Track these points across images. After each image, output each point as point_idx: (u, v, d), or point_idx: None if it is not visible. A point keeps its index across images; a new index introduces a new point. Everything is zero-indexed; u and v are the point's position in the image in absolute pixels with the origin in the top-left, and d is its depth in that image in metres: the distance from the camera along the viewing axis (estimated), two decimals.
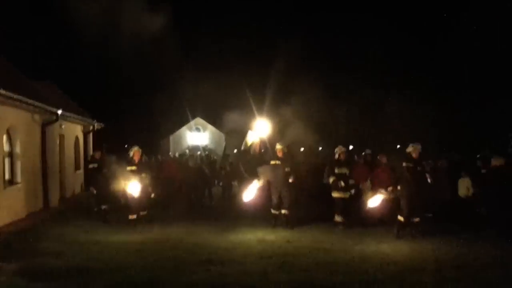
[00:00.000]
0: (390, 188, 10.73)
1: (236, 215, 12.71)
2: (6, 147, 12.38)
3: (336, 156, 11.36)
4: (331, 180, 11.19)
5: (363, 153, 14.23)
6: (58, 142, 16.59)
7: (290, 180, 11.20)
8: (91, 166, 12.81)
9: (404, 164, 10.18)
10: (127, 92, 45.51)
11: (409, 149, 10.27)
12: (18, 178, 12.83)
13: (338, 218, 11.09)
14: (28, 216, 12.82)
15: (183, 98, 40.10)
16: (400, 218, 10.14)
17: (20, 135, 13.03)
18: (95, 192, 12.36)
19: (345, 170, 11.18)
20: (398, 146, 19.41)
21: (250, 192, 11.61)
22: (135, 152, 11.76)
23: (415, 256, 8.42)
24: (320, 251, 8.80)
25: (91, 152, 21.62)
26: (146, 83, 46.01)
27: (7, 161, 12.43)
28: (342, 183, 11.01)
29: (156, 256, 8.44)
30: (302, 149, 19.75)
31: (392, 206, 10.92)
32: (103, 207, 12.26)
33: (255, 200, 11.88)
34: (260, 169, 11.58)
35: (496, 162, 11.82)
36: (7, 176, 12.29)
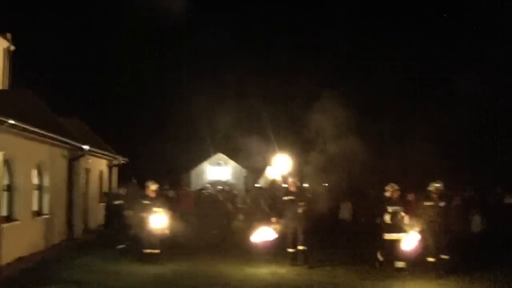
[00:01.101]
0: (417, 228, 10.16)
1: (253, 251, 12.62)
2: (35, 181, 13.16)
3: (388, 194, 10.72)
4: (387, 218, 10.41)
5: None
6: (83, 176, 17.37)
7: (300, 210, 10.92)
8: (117, 202, 12.94)
9: (425, 203, 10.18)
10: (151, 127, 46.79)
11: (431, 187, 10.26)
12: (46, 209, 13.57)
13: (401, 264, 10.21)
14: (53, 246, 13.48)
15: (205, 133, 40.99)
16: (430, 258, 10.01)
17: (49, 169, 13.83)
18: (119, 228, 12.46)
19: (398, 209, 10.43)
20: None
21: (260, 234, 11.47)
22: (149, 187, 11.92)
23: None
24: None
25: (114, 185, 22.45)
26: (170, 118, 47.16)
27: (36, 193, 13.18)
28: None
29: (173, 286, 8.93)
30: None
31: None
32: (125, 244, 12.27)
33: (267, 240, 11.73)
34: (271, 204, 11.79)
35: (508, 200, 12.18)
36: (35, 208, 13.02)
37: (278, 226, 11.35)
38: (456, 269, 9.99)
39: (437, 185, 10.22)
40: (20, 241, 11.27)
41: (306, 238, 11.04)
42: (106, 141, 22.97)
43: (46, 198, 13.68)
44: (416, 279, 9.70)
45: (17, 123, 10.27)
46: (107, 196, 18.01)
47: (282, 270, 10.52)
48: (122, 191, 13.47)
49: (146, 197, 11.83)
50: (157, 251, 11.38)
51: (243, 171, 48.56)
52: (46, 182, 13.76)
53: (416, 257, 10.33)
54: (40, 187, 13.49)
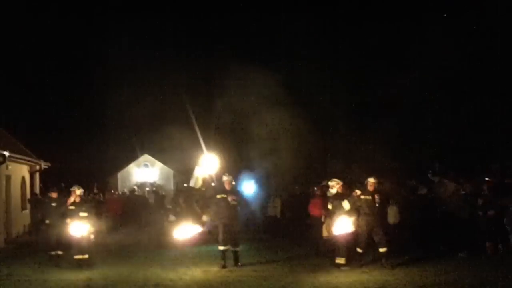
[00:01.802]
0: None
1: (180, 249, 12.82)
2: None
3: (333, 190, 11.06)
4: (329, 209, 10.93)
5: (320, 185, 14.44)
6: (4, 183, 16.77)
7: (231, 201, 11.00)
8: (54, 204, 12.57)
9: (362, 197, 10.49)
10: (74, 130, 45.32)
11: (367, 182, 10.63)
12: None
13: (341, 260, 10.42)
14: None
15: (131, 135, 40.44)
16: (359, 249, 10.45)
17: None
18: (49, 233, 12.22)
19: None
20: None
21: (186, 231, 11.61)
22: (73, 192, 11.81)
23: None
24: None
25: (37, 191, 21.73)
26: (93, 120, 45.97)
27: None
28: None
29: None
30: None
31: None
32: (59, 252, 11.96)
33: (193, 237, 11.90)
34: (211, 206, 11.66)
35: (421, 191, 13.12)
36: None
37: (204, 222, 11.67)
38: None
39: (373, 180, 10.61)
40: None
41: (237, 237, 11.20)
42: (26, 146, 22.22)
43: None
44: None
45: None
46: (31, 202, 17.54)
47: (213, 268, 10.62)
48: (55, 194, 13.00)
49: (72, 202, 11.70)
50: (85, 256, 11.28)
51: (170, 172, 48.27)
52: None
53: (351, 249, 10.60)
54: None
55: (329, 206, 10.94)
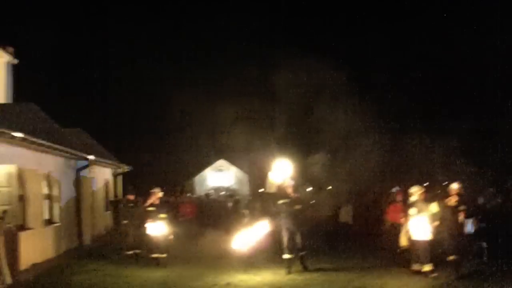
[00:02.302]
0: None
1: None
2: (45, 190, 13.72)
3: (415, 197, 10.55)
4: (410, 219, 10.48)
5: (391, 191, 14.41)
6: (90, 185, 17.92)
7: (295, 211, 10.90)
8: (131, 205, 13.01)
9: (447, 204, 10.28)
10: (153, 135, 47.33)
11: (450, 188, 10.39)
12: (56, 218, 14.13)
13: (429, 267, 10.00)
14: (64, 253, 14.03)
15: (208, 140, 41.51)
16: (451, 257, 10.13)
17: (57, 179, 14.39)
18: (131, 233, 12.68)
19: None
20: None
21: (245, 240, 11.26)
22: (153, 194, 12.35)
23: None
24: None
25: (119, 193, 23.02)
26: (171, 126, 47.70)
27: (46, 203, 13.74)
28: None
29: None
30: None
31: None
32: (137, 251, 12.51)
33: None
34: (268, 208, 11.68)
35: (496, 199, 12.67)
36: (46, 217, 13.58)
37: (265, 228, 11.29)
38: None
39: (456, 186, 10.37)
40: (34, 248, 11.80)
41: (303, 242, 10.99)
42: (109, 150, 23.58)
43: (56, 207, 14.24)
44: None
45: (26, 137, 10.82)
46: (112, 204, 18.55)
47: (282, 271, 10.61)
48: (132, 197, 13.45)
49: (152, 203, 12.25)
50: (163, 255, 11.81)
51: (245, 177, 49.08)
52: (55, 192, 14.32)
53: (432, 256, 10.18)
54: (49, 197, 14.05)
55: (411, 212, 10.38)
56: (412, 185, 11.02)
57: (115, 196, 21.53)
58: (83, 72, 65.30)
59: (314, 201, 19.78)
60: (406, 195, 13.12)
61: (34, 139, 11.32)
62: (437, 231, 10.09)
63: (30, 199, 12.13)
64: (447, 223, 10.08)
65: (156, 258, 11.80)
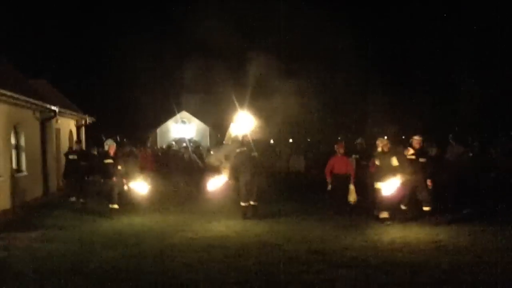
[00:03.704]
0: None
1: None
2: (12, 141, 14.34)
3: (379, 149, 11.19)
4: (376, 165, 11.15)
5: (355, 143, 15.03)
6: (54, 136, 18.49)
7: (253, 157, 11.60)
8: (71, 157, 13.38)
9: (408, 156, 10.77)
10: (116, 86, 47.25)
11: (412, 141, 10.96)
12: (24, 167, 14.82)
13: (385, 215, 10.70)
14: (33, 200, 14.82)
15: (170, 92, 41.96)
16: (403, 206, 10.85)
17: (24, 130, 14.99)
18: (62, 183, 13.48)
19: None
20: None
21: (215, 184, 12.06)
22: (110, 146, 12.35)
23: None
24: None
25: (83, 144, 23.60)
26: (134, 78, 47.66)
27: (14, 152, 14.39)
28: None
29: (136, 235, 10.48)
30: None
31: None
32: (81, 200, 13.11)
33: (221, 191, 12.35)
34: (229, 157, 12.30)
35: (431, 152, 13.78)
36: (14, 166, 14.27)
37: (228, 174, 11.98)
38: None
39: (418, 138, 10.93)
40: (5, 195, 12.57)
41: (257, 192, 11.76)
42: (72, 101, 23.95)
43: (23, 156, 14.90)
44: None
45: None
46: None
47: (233, 222, 11.12)
48: (77, 147, 13.88)
49: (107, 156, 12.32)
50: (115, 206, 11.98)
51: (207, 129, 49.97)
52: (22, 142, 14.95)
53: (395, 205, 10.82)
54: (17, 147, 14.69)
55: (377, 162, 11.08)
56: (372, 137, 11.83)
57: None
58: (46, 22, 63.53)
59: (279, 151, 21.00)
60: (358, 148, 14.35)
61: (5, 92, 11.89)
62: (402, 182, 10.52)
63: (0, 149, 12.77)
64: (411, 175, 10.55)
65: (112, 209, 11.95)
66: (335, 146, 12.83)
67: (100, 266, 7.45)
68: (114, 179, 11.94)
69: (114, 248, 8.64)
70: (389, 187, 10.56)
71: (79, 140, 14.48)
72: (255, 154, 11.89)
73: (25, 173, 14.83)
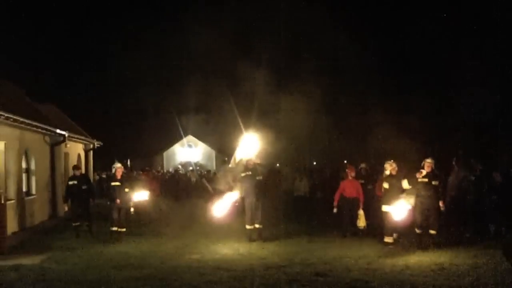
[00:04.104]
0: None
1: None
2: (23, 165, 14.69)
3: (387, 172, 11.34)
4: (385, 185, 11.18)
5: (359, 167, 14.79)
6: (63, 160, 18.86)
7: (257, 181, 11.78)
8: (70, 183, 13.32)
9: (419, 179, 10.74)
10: (124, 111, 47.91)
11: (424, 163, 10.85)
12: (33, 190, 15.14)
13: (390, 239, 10.89)
14: (41, 223, 15.10)
15: (176, 117, 42.48)
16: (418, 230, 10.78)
17: (34, 154, 15.36)
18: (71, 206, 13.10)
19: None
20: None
21: (224, 206, 11.98)
22: (117, 169, 12.50)
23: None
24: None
25: (91, 167, 24.00)
26: (141, 103, 48.33)
27: (24, 176, 14.73)
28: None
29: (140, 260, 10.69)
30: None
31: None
32: (77, 223, 12.95)
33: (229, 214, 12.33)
34: (234, 182, 12.37)
35: None
36: (24, 189, 14.58)
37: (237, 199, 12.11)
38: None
39: (430, 161, 10.88)
40: (15, 217, 12.86)
41: (262, 215, 11.94)
42: (80, 126, 24.41)
43: (33, 180, 15.24)
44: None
45: (10, 116, 11.79)
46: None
47: (238, 244, 11.32)
48: (78, 172, 13.77)
49: (114, 178, 12.48)
50: (123, 229, 12.11)
51: (212, 152, 50.31)
52: (33, 166, 15.30)
53: (404, 229, 11.01)
54: (27, 170, 15.03)
55: (385, 185, 11.08)
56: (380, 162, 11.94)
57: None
58: (51, 47, 64.75)
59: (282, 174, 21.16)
60: (363, 173, 14.47)
61: (17, 118, 12.28)
62: (410, 206, 10.62)
63: (12, 173, 13.10)
64: (419, 199, 10.65)
65: (116, 232, 12.03)
66: (347, 170, 13.05)
67: (109, 287, 7.66)
68: (118, 201, 12.02)
69: (122, 270, 8.85)
70: (400, 210, 10.60)
71: (78, 166, 14.57)
72: (259, 178, 12.10)
73: (34, 196, 15.14)
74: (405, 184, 10.85)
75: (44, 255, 10.14)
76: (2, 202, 10.33)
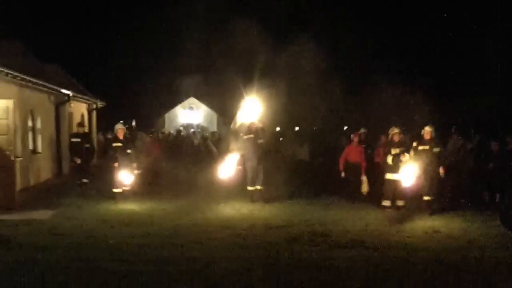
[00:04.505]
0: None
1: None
2: (29, 123, 14.94)
3: (390, 137, 11.54)
4: (389, 159, 11.20)
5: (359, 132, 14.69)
6: (67, 119, 19.10)
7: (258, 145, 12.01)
8: (74, 140, 13.45)
9: (420, 147, 10.99)
10: (126, 71, 47.73)
11: (423, 131, 11.12)
12: (39, 148, 15.45)
13: (386, 202, 11.20)
14: (47, 180, 15.48)
15: (178, 78, 42.41)
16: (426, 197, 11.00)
17: (40, 114, 15.60)
18: (78, 162, 13.29)
19: (399, 152, 11.18)
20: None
21: (228, 168, 12.20)
22: (119, 130, 12.45)
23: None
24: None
25: (94, 127, 24.25)
26: (143, 64, 48.17)
27: (30, 134, 15.00)
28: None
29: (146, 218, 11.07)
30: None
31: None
32: (84, 180, 13.23)
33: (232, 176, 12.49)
34: (236, 144, 12.59)
35: None
36: (31, 147, 14.89)
37: (239, 162, 12.37)
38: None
39: (429, 128, 11.07)
40: (22, 174, 13.19)
41: (263, 177, 12.21)
42: (84, 86, 24.54)
43: (39, 139, 15.53)
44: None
45: (18, 74, 11.98)
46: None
47: (240, 205, 11.64)
48: (81, 130, 13.96)
49: (116, 139, 12.46)
50: (125, 189, 12.14)
51: (214, 115, 50.48)
52: (38, 124, 15.56)
53: (412, 196, 11.25)
54: (33, 129, 15.29)
55: (393, 152, 11.15)
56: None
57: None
58: (57, 7, 64.13)
59: (281, 139, 21.45)
60: (362, 138, 14.69)
61: (24, 77, 12.47)
62: (414, 173, 10.68)
63: (18, 131, 13.35)
64: (422, 165, 10.73)
65: (120, 193, 12.04)
66: (351, 135, 13.33)
67: (118, 241, 8.04)
68: (116, 164, 12.05)
69: (129, 226, 9.24)
70: (408, 177, 10.68)
71: (82, 123, 14.69)
72: (261, 141, 12.32)
73: (41, 154, 15.47)
74: (405, 157, 10.96)
75: (53, 211, 10.53)
76: (12, 159, 10.61)
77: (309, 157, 18.51)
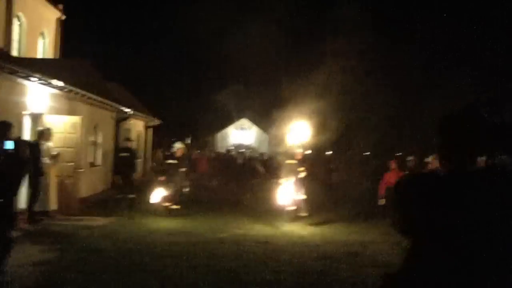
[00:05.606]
0: None
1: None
2: (92, 138, 16.21)
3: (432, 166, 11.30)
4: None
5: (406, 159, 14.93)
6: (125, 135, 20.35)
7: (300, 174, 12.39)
8: (122, 155, 13.72)
9: None
10: (182, 92, 49.67)
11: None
12: (99, 161, 16.67)
13: None
14: (103, 191, 16.63)
15: (232, 99, 43.72)
16: None
17: (102, 129, 16.86)
18: (120, 182, 13.58)
19: None
20: None
21: (283, 195, 12.57)
22: (179, 149, 13.06)
23: None
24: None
25: (149, 143, 25.56)
26: (200, 84, 49.90)
27: (91, 148, 16.25)
28: None
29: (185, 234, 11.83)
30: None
31: None
32: (131, 196, 13.33)
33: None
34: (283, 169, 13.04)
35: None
36: (91, 160, 16.11)
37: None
38: None
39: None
40: (83, 185, 14.35)
41: (304, 203, 12.71)
42: (143, 104, 25.94)
43: (99, 153, 16.76)
44: None
45: (89, 95, 13.24)
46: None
47: (279, 224, 12.12)
48: (130, 144, 14.34)
49: (172, 156, 13.06)
50: (178, 207, 12.71)
51: (266, 137, 51.29)
52: (99, 139, 16.82)
53: None
54: (94, 144, 16.54)
55: None
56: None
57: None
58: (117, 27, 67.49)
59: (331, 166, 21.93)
60: (401, 164, 14.90)
61: (91, 95, 13.70)
62: None
63: (82, 145, 14.55)
64: None
65: (170, 209, 12.59)
66: (390, 162, 13.75)
67: (166, 248, 8.84)
68: (163, 178, 12.71)
69: (177, 236, 10.06)
70: None
71: (129, 138, 15.34)
72: (301, 169, 12.62)
73: (99, 167, 16.67)
74: None
75: (109, 220, 11.51)
76: (77, 170, 11.72)
77: (357, 180, 18.91)
